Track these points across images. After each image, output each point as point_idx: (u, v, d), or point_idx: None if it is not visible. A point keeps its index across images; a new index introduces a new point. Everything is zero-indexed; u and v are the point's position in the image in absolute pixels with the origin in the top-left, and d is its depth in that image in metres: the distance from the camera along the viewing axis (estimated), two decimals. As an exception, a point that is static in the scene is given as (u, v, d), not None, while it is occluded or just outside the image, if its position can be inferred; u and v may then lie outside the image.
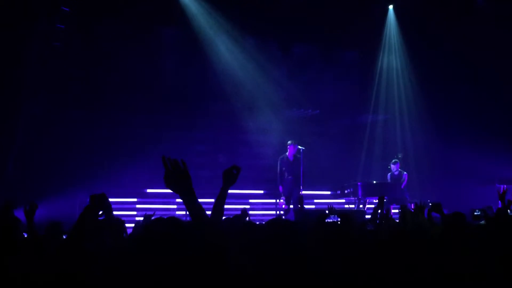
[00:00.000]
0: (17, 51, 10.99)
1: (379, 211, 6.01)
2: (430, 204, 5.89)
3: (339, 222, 5.45)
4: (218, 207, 3.06)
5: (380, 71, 15.95)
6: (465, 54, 13.82)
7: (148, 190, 12.79)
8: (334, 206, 8.06)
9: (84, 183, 11.19)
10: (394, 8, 15.08)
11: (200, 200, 2.66)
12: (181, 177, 2.63)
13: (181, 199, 2.62)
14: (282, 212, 12.17)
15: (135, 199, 12.47)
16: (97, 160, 11.93)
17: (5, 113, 10.85)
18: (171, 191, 2.64)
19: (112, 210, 4.09)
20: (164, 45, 13.47)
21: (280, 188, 11.97)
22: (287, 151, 12.04)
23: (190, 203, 2.60)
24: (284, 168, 11.94)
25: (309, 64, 15.01)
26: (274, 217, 12.67)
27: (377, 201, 6.22)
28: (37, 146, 11.28)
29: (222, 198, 3.05)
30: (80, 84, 12.14)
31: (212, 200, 3.10)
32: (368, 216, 6.92)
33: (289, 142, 12.11)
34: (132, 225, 7.01)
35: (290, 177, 11.85)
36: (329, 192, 14.27)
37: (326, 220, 5.65)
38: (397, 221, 7.24)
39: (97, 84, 12.33)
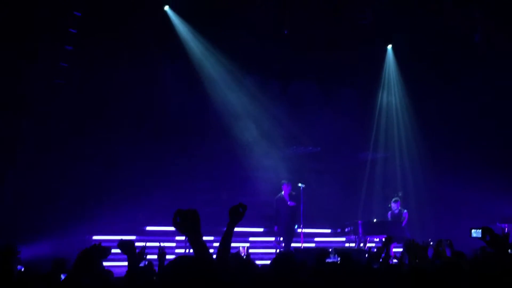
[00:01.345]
0: (18, 88, 11.12)
1: (385, 250, 5.95)
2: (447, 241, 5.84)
3: (339, 262, 5.40)
4: (224, 245, 3.05)
5: (380, 109, 16.06)
6: (464, 93, 13.94)
7: (148, 228, 12.68)
8: (335, 245, 8.06)
9: (83, 219, 11.12)
10: (393, 47, 15.27)
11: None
12: (187, 218, 2.66)
13: (186, 237, 2.68)
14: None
15: (134, 237, 12.34)
16: (96, 196, 11.86)
17: (4, 150, 10.89)
18: (172, 229, 2.66)
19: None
20: (165, 81, 13.58)
21: (276, 228, 11.96)
22: (282, 191, 12.08)
23: (194, 242, 2.63)
24: (280, 208, 11.95)
25: (309, 101, 15.13)
26: (276, 254, 12.56)
27: (380, 240, 6.17)
28: (36, 182, 11.24)
29: (228, 235, 3.05)
30: (79, 119, 12.19)
31: (212, 238, 3.10)
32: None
33: (282, 181, 12.19)
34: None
35: (286, 218, 11.85)
36: (329, 230, 14.17)
37: (326, 260, 5.59)
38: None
39: (96, 119, 12.36)
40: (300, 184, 12.40)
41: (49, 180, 11.40)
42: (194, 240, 2.66)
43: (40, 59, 11.43)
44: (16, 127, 11.21)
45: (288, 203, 11.94)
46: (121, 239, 3.77)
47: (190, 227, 2.67)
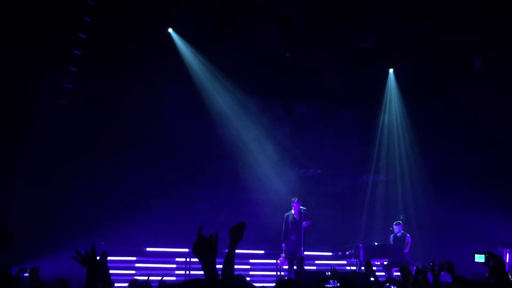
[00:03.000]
0: (24, 106, 11.22)
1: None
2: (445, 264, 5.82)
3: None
4: (228, 266, 3.05)
5: (381, 132, 16.07)
6: (465, 117, 13.99)
7: (148, 249, 12.64)
8: (336, 267, 8.02)
9: (83, 240, 11.10)
10: (394, 71, 15.31)
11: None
12: (208, 248, 2.73)
13: (202, 266, 2.77)
14: (283, 273, 12.01)
15: (134, 258, 12.31)
16: (96, 216, 11.85)
17: (10, 168, 10.94)
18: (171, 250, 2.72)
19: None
20: (168, 103, 13.67)
21: (284, 245, 11.90)
22: (292, 209, 12.03)
23: (210, 272, 2.68)
24: (289, 227, 11.90)
25: (311, 124, 15.17)
26: (276, 277, 12.52)
27: (381, 263, 6.17)
28: (39, 202, 11.27)
29: (231, 256, 3.05)
30: (82, 139, 12.25)
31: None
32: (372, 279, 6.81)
33: (293, 199, 12.14)
34: (126, 284, 6.87)
35: (293, 237, 11.80)
36: (330, 253, 14.10)
37: (326, 286, 5.57)
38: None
39: (97, 140, 12.41)
40: (301, 207, 12.39)
41: (50, 201, 11.43)
42: (204, 265, 2.76)
43: (44, 79, 11.54)
44: (21, 148, 11.29)
45: (303, 223, 11.85)
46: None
47: (203, 252, 2.74)
